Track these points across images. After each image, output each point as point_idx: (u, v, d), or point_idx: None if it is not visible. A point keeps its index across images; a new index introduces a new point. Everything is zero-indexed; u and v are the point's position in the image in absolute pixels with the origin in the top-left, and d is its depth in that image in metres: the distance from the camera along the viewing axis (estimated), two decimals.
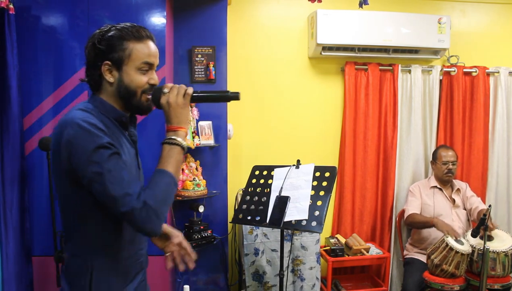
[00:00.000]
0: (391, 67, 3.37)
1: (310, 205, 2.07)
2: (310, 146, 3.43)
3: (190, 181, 2.69)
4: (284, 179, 2.25)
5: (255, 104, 3.32)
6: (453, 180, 3.17)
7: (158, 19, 2.56)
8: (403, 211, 3.24)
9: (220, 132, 2.91)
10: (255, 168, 2.42)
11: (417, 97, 3.38)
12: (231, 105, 3.04)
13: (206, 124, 2.90)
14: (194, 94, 1.24)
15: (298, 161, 2.31)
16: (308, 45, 3.35)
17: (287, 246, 2.72)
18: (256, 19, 3.34)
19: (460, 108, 3.45)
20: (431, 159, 3.24)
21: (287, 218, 2.08)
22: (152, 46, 1.25)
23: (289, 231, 2.56)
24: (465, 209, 3.11)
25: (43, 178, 2.52)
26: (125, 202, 1.09)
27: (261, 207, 2.18)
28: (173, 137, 1.20)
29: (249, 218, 2.19)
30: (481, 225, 2.49)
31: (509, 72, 3.49)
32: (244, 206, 2.23)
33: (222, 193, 2.92)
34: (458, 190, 3.14)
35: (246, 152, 3.34)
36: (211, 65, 2.86)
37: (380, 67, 3.37)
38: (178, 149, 1.20)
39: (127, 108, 1.27)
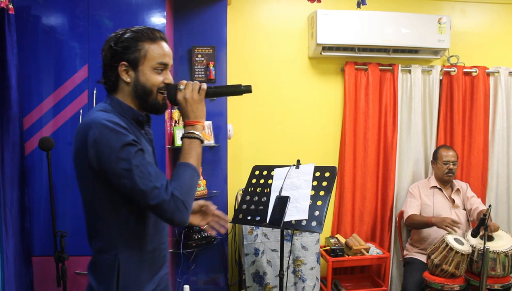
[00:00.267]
0: (391, 67, 3.37)
1: (310, 205, 2.07)
2: (310, 146, 3.43)
3: None
4: (284, 179, 2.25)
5: (255, 104, 3.32)
6: (453, 180, 3.17)
7: (158, 19, 2.57)
8: (402, 212, 3.24)
9: (220, 132, 2.91)
10: (255, 168, 2.42)
11: (417, 97, 3.38)
12: (231, 105, 3.04)
13: (206, 124, 2.90)
14: (209, 89, 1.30)
15: (298, 161, 2.31)
16: (308, 45, 3.35)
17: (287, 246, 2.72)
18: (256, 19, 3.34)
19: (460, 108, 3.45)
20: (431, 159, 3.24)
21: (287, 218, 2.07)
22: (166, 47, 1.29)
23: (289, 231, 2.56)
24: (465, 209, 3.11)
25: (43, 178, 2.52)
26: (154, 195, 1.14)
27: (261, 207, 2.18)
28: (191, 131, 1.26)
29: (249, 218, 2.18)
30: (481, 225, 2.49)
31: (509, 72, 3.49)
32: (244, 206, 2.23)
33: (222, 193, 2.92)
34: (458, 190, 3.14)
35: (246, 152, 3.35)
36: (211, 65, 2.86)
37: (380, 67, 3.37)
38: (197, 142, 1.26)
39: (143, 107, 1.31)
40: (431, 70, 3.42)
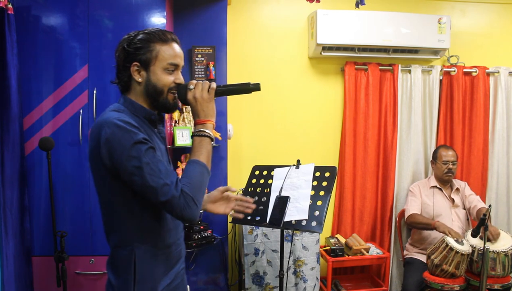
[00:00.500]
0: (391, 67, 3.37)
1: (310, 205, 2.07)
2: (310, 146, 3.43)
3: None
4: (284, 179, 2.25)
5: (255, 104, 3.32)
6: (453, 180, 3.17)
7: (158, 19, 2.56)
8: (403, 211, 3.24)
9: (220, 132, 2.91)
10: (255, 168, 2.42)
11: (417, 97, 3.38)
12: (231, 105, 3.04)
13: None
14: (218, 88, 1.33)
15: (298, 161, 2.31)
16: (308, 45, 3.35)
17: (287, 246, 2.71)
18: (256, 19, 3.34)
19: (460, 108, 3.45)
20: (432, 159, 3.24)
21: (287, 218, 2.07)
22: (177, 48, 1.33)
23: (290, 231, 2.56)
24: (464, 208, 3.11)
25: (43, 178, 2.52)
26: (164, 192, 1.18)
27: (261, 207, 2.18)
28: (202, 129, 1.30)
29: (249, 218, 2.18)
30: (481, 225, 2.49)
31: (509, 72, 3.49)
32: None
33: None
34: (457, 189, 3.14)
35: (246, 152, 3.35)
36: (211, 65, 2.86)
37: (380, 67, 3.37)
38: (207, 140, 1.30)
39: (154, 106, 1.34)
40: (431, 70, 3.42)
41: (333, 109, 3.45)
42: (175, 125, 2.82)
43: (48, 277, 2.49)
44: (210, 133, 1.30)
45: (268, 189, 2.25)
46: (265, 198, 2.21)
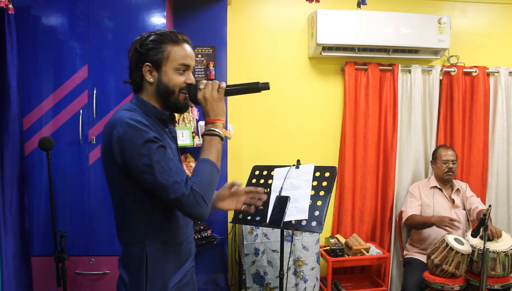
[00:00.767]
0: (391, 67, 3.37)
1: (310, 205, 2.07)
2: (310, 146, 3.43)
3: None
4: (284, 179, 2.25)
5: (255, 104, 3.32)
6: (453, 180, 3.17)
7: (158, 19, 2.56)
8: (402, 212, 3.24)
9: None
10: (255, 168, 2.42)
11: (417, 97, 3.38)
12: (231, 105, 3.04)
13: None
14: (227, 88, 1.35)
15: (298, 161, 2.31)
16: (308, 45, 3.35)
17: (287, 246, 2.71)
18: (256, 19, 3.34)
19: (460, 108, 3.45)
20: (432, 159, 3.24)
21: (287, 218, 2.07)
22: (188, 49, 1.35)
23: (290, 231, 2.56)
24: (464, 209, 3.11)
25: (42, 178, 2.52)
26: (174, 189, 1.19)
27: (261, 207, 2.18)
28: (212, 128, 1.32)
29: (249, 218, 2.18)
30: (481, 225, 2.49)
31: (509, 72, 3.49)
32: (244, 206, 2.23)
33: None
34: (458, 190, 3.14)
35: (246, 152, 3.35)
36: (211, 65, 2.86)
37: (380, 67, 3.37)
38: (217, 139, 1.32)
39: (165, 106, 1.36)
40: (431, 70, 3.42)
41: (333, 109, 3.45)
42: (175, 126, 2.82)
43: (48, 277, 2.49)
44: (220, 132, 1.32)
45: (268, 189, 2.25)
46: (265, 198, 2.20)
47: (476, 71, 3.45)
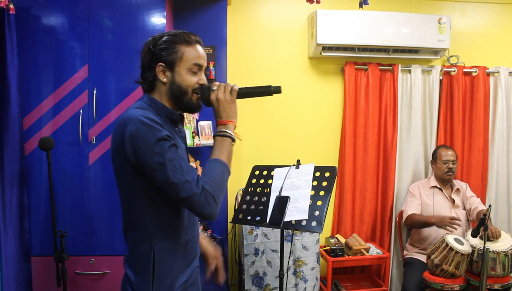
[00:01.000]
0: (391, 67, 3.37)
1: (310, 205, 2.07)
2: (310, 146, 3.43)
3: None
4: (284, 179, 2.25)
5: (255, 104, 3.31)
6: (453, 180, 3.17)
7: (158, 19, 2.56)
8: (402, 212, 3.23)
9: None
10: (255, 168, 2.41)
11: (417, 97, 3.38)
12: None
13: (206, 124, 2.90)
14: (240, 90, 1.36)
15: (298, 161, 2.31)
16: (308, 45, 3.35)
17: (287, 246, 2.71)
18: (256, 19, 3.34)
19: (460, 108, 3.45)
20: (432, 159, 3.24)
21: (287, 218, 2.07)
22: (200, 49, 1.36)
23: (289, 231, 2.56)
24: (464, 209, 3.11)
25: (42, 178, 2.52)
26: (186, 188, 1.20)
27: (261, 207, 2.18)
28: (223, 130, 1.33)
29: (249, 218, 2.18)
30: (481, 225, 2.49)
31: (509, 72, 3.49)
32: (244, 206, 2.23)
33: None
34: (458, 190, 3.14)
35: (246, 152, 3.35)
36: (211, 65, 2.87)
37: (380, 67, 3.37)
38: (229, 140, 1.33)
39: (178, 106, 1.37)
40: (431, 70, 3.42)
41: (333, 109, 3.45)
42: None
43: (48, 277, 2.49)
44: (232, 134, 1.34)
45: (268, 189, 2.25)
46: (265, 198, 2.20)
47: (476, 71, 3.45)
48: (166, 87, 1.34)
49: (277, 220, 2.08)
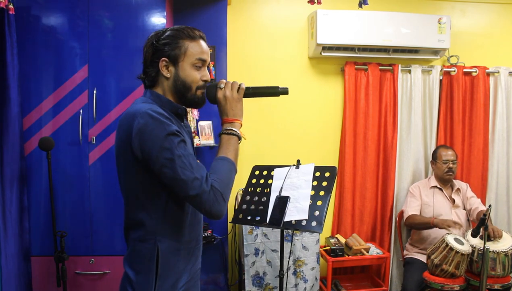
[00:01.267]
0: (391, 67, 3.37)
1: (310, 205, 2.07)
2: (310, 146, 3.43)
3: None
4: (284, 179, 2.24)
5: (255, 104, 3.30)
6: (453, 180, 3.17)
7: (158, 19, 2.56)
8: (402, 212, 3.24)
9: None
10: (255, 168, 2.41)
11: (417, 97, 3.38)
12: None
13: (206, 124, 2.90)
14: (247, 90, 1.36)
15: (298, 161, 2.31)
16: (308, 45, 3.35)
17: (287, 246, 2.71)
18: (256, 19, 3.34)
19: (460, 108, 3.45)
20: (432, 159, 3.23)
21: (287, 218, 2.07)
22: (204, 45, 1.36)
23: (289, 231, 2.56)
24: (465, 209, 3.11)
25: (42, 178, 2.52)
26: (195, 186, 1.18)
27: (261, 207, 2.18)
28: (230, 128, 1.32)
29: (249, 218, 2.18)
30: (481, 225, 2.49)
31: (509, 72, 3.49)
32: (244, 206, 2.23)
33: None
34: (458, 190, 3.14)
35: (246, 151, 3.34)
36: (211, 65, 2.86)
37: (380, 67, 3.37)
38: (235, 138, 1.32)
39: (181, 102, 1.35)
40: (431, 70, 3.42)
41: (333, 109, 3.45)
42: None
43: (48, 277, 2.49)
44: (238, 132, 1.32)
45: (268, 189, 2.25)
46: (265, 198, 2.20)
47: (476, 71, 3.45)
48: (169, 83, 1.32)
49: (277, 220, 2.08)
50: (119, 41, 2.53)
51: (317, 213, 2.04)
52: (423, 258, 2.96)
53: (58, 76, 2.51)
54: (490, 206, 2.54)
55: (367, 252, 3.09)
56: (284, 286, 2.58)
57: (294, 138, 3.41)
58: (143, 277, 1.27)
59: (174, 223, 1.30)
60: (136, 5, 2.54)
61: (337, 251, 3.03)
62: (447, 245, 2.59)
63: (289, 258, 2.81)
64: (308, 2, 2.46)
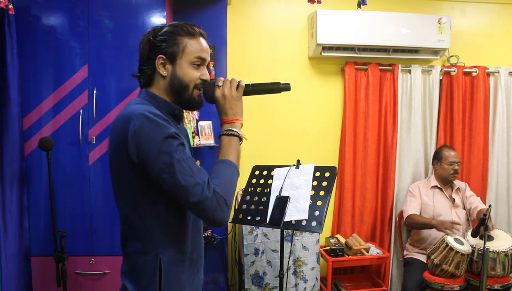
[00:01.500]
0: (391, 67, 3.37)
1: (310, 205, 2.07)
2: (310, 146, 3.42)
3: None
4: (284, 179, 2.24)
5: (255, 104, 3.31)
6: None
7: (158, 19, 2.56)
8: (402, 212, 3.24)
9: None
10: (255, 168, 2.41)
11: (417, 97, 3.38)
12: None
13: (206, 124, 2.90)
14: (247, 87, 1.27)
15: (298, 161, 2.31)
16: (308, 45, 3.35)
17: (287, 246, 2.71)
18: (256, 19, 3.34)
19: (460, 108, 3.45)
20: (434, 159, 3.20)
21: (287, 218, 2.07)
22: (204, 43, 1.28)
23: (289, 231, 2.56)
24: (464, 208, 3.11)
25: (42, 178, 2.52)
26: (196, 192, 1.10)
27: (261, 207, 2.18)
28: (230, 128, 1.24)
29: (249, 218, 2.18)
30: (481, 225, 2.49)
31: (509, 72, 3.49)
32: (244, 206, 2.23)
33: None
34: (458, 189, 3.15)
35: (246, 152, 3.34)
36: (211, 65, 2.86)
37: (380, 67, 3.37)
38: (236, 140, 1.24)
39: (178, 102, 1.27)
40: (431, 70, 3.42)
41: (333, 109, 3.45)
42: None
43: (48, 277, 2.48)
44: (239, 133, 1.25)
45: (268, 189, 2.25)
46: (265, 198, 2.20)
47: (476, 71, 3.45)
48: (165, 82, 1.24)
49: (277, 220, 2.08)
50: (119, 41, 2.53)
51: (317, 213, 2.04)
52: (423, 258, 2.96)
53: (58, 76, 2.51)
54: (490, 206, 2.54)
55: (367, 252, 3.09)
56: (284, 286, 2.58)
57: (294, 138, 3.41)
58: None
59: (176, 232, 1.22)
60: (136, 5, 2.54)
61: (337, 251, 3.03)
62: (447, 245, 2.59)
63: (289, 258, 2.81)
64: (308, 1, 2.46)
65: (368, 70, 3.35)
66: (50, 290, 2.50)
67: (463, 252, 2.55)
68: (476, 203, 3.06)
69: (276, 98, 3.36)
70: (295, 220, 2.05)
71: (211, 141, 2.87)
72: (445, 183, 3.13)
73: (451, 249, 2.57)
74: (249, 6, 3.33)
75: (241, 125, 1.27)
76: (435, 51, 3.34)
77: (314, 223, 2.01)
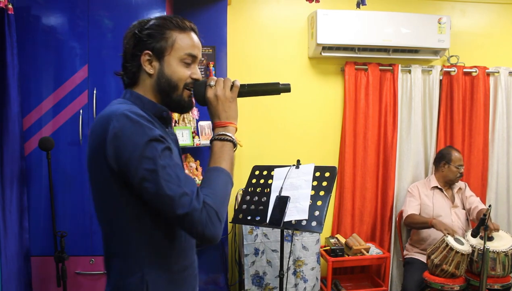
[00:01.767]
0: (391, 67, 3.37)
1: (310, 205, 2.07)
2: (310, 146, 3.42)
3: None
4: (284, 179, 2.25)
5: (255, 104, 3.32)
6: None
7: None
8: (402, 212, 3.24)
9: None
10: (255, 168, 2.41)
11: (417, 97, 3.38)
12: None
13: (206, 124, 2.90)
14: (242, 88, 1.15)
15: (298, 161, 2.31)
16: (308, 45, 3.35)
17: (287, 246, 2.71)
18: (256, 19, 3.34)
19: (460, 108, 3.45)
20: (442, 161, 3.11)
21: (287, 218, 2.07)
22: (195, 38, 1.14)
23: (289, 231, 2.56)
24: (464, 208, 3.11)
25: (42, 178, 2.52)
26: (183, 203, 0.96)
27: (261, 207, 2.18)
28: (223, 133, 1.10)
29: (249, 218, 2.18)
30: (481, 225, 2.49)
31: (509, 72, 3.49)
32: (244, 206, 2.23)
33: None
34: (459, 189, 3.15)
35: (246, 152, 3.34)
36: (211, 65, 2.86)
37: (380, 67, 3.37)
38: (230, 145, 1.10)
39: (165, 103, 1.14)
40: (431, 70, 3.42)
41: (333, 109, 3.45)
42: (175, 125, 2.82)
43: (48, 277, 2.48)
44: (233, 137, 1.11)
45: (268, 189, 2.25)
46: (265, 198, 2.20)
47: (476, 71, 3.45)
48: (152, 81, 1.11)
49: (277, 220, 2.08)
50: (119, 41, 2.51)
51: (317, 213, 2.04)
52: (423, 258, 2.96)
53: (58, 76, 2.52)
54: (490, 206, 2.54)
55: (367, 252, 3.09)
56: (284, 286, 2.59)
57: (294, 138, 3.41)
58: None
59: (164, 249, 1.08)
60: (136, 5, 2.54)
61: (337, 251, 3.03)
62: (447, 245, 2.59)
63: (289, 258, 2.81)
64: (307, 0, 2.46)
65: (368, 70, 3.35)
66: (50, 290, 2.50)
67: (463, 252, 2.55)
68: (476, 203, 3.06)
69: (276, 98, 3.35)
70: (295, 220, 2.05)
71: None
72: (448, 184, 3.13)
73: (451, 249, 2.57)
74: (249, 6, 3.33)
75: (236, 129, 1.13)
76: (435, 51, 3.34)
77: (314, 223, 2.01)
